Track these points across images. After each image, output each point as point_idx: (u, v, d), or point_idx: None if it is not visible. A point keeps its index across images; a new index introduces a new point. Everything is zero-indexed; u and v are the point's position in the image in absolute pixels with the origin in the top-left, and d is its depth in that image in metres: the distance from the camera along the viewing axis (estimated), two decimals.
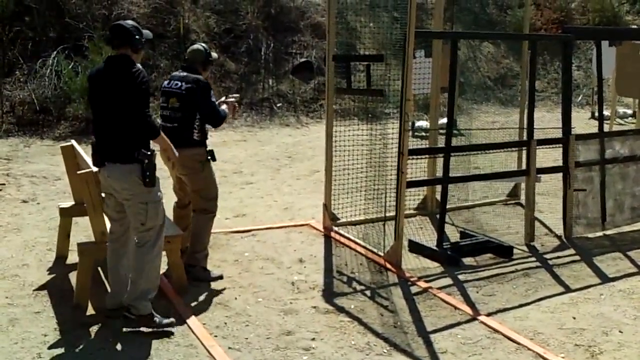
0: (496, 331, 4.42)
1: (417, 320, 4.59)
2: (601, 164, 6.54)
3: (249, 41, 13.22)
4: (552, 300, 4.96)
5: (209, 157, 5.14)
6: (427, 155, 6.78)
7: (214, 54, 5.44)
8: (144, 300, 4.24)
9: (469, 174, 6.93)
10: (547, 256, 5.91)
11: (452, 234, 6.30)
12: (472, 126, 10.81)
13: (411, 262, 5.66)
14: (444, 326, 4.51)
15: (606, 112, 9.90)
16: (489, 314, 4.69)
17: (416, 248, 5.89)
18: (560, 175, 6.51)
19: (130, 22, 4.30)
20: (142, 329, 4.26)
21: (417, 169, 6.58)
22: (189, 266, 5.08)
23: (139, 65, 4.16)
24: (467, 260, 5.71)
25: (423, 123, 11.07)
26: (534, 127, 6.34)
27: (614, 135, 7.19)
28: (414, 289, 5.11)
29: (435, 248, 5.78)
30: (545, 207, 7.19)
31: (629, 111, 13.69)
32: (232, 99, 5.48)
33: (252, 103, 12.32)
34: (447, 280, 5.30)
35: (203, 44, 5.37)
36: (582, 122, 12.51)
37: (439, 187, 6.31)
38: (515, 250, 5.91)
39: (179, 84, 5.05)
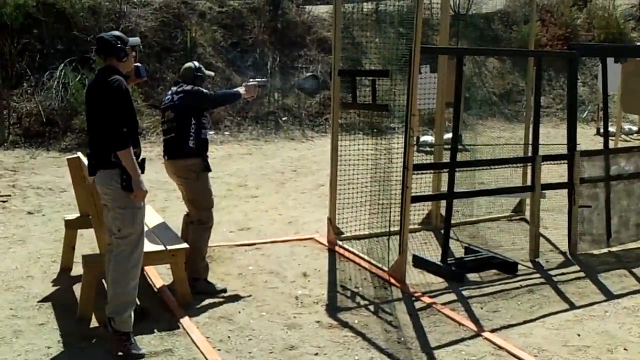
0: (500, 348, 4.39)
1: (421, 336, 4.57)
2: (606, 180, 6.53)
3: (255, 55, 13.30)
4: (556, 317, 4.94)
5: (208, 166, 5.17)
6: (432, 170, 6.80)
7: (209, 72, 5.53)
8: (123, 314, 4.13)
9: (474, 190, 6.91)
10: (552, 272, 5.89)
11: (457, 250, 6.29)
12: (477, 141, 10.82)
13: (415, 277, 5.65)
14: (448, 342, 4.49)
15: (611, 129, 9.93)
16: (493, 331, 4.67)
17: (420, 263, 5.89)
18: (565, 191, 6.50)
19: (114, 32, 4.35)
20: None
21: (422, 183, 6.58)
22: (192, 280, 5.08)
23: (117, 76, 4.15)
24: (472, 276, 5.70)
25: (428, 138, 11.09)
26: (539, 143, 6.34)
27: (619, 151, 7.18)
28: (418, 305, 5.10)
29: (439, 263, 5.77)
30: (550, 223, 7.18)
31: (635, 128, 13.70)
32: (254, 82, 5.52)
33: (257, 117, 12.36)
34: (452, 296, 5.28)
35: (195, 62, 5.46)
36: (588, 138, 12.50)
37: (443, 202, 6.31)
38: (519, 267, 5.89)
39: (170, 97, 5.19)
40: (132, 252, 4.21)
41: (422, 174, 6.22)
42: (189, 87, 5.16)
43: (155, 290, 5.20)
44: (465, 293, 5.34)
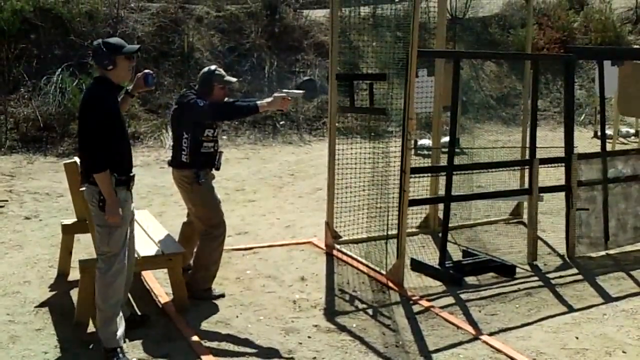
0: (499, 351, 4.38)
1: (419, 340, 4.57)
2: (604, 183, 6.53)
3: (253, 60, 13.30)
4: (554, 320, 4.93)
5: (197, 179, 4.95)
6: (429, 174, 6.80)
7: (230, 78, 5.16)
8: (105, 330, 4.09)
9: (472, 193, 6.92)
10: (550, 275, 5.88)
11: (455, 253, 6.28)
12: (474, 145, 10.82)
13: (413, 281, 5.64)
14: (446, 345, 4.48)
15: (609, 132, 9.93)
16: (491, 334, 4.66)
17: (418, 267, 5.88)
18: (562, 194, 6.50)
19: (109, 39, 4.14)
20: None
21: (420, 187, 6.58)
22: (189, 285, 5.05)
23: (105, 91, 4.02)
24: (470, 279, 5.69)
25: (426, 141, 11.10)
26: (537, 146, 6.35)
27: (616, 154, 7.19)
28: (416, 308, 5.09)
29: (437, 267, 5.76)
30: (548, 226, 7.18)
31: (632, 130, 13.71)
32: (283, 94, 4.84)
33: (255, 121, 12.36)
34: (450, 299, 5.28)
35: (213, 66, 5.14)
36: (585, 141, 12.51)
37: (441, 206, 6.30)
38: (517, 270, 5.89)
39: (175, 105, 5.13)
40: (107, 271, 4.12)
41: (419, 177, 6.23)
42: (187, 99, 4.90)
43: (153, 295, 5.18)
44: (464, 296, 5.34)
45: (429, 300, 5.22)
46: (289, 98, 4.83)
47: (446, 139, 7.15)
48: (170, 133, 5.33)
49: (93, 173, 3.97)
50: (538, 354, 4.38)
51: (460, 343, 4.52)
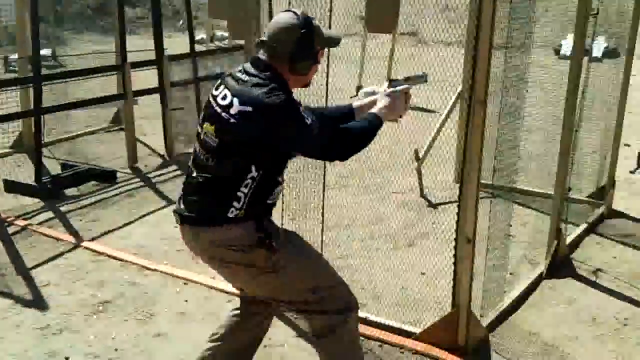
0: (100, 253, 4.40)
1: (17, 259, 4.33)
2: (196, 82, 6.84)
3: None
4: (155, 215, 5.14)
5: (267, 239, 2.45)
6: (15, 87, 6.29)
7: (332, 33, 2.56)
8: None
9: (62, 103, 6.62)
10: (151, 175, 6.07)
11: (54, 168, 6.03)
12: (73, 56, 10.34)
13: (8, 203, 5.28)
14: (46, 259, 4.33)
15: (202, 35, 10.37)
16: (92, 239, 4.65)
17: (13, 187, 5.50)
18: (158, 96, 6.63)
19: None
20: None
21: (13, 105, 6.10)
22: None
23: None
24: (70, 191, 5.55)
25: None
26: (128, 51, 6.29)
27: (205, 54, 7.56)
28: (11, 229, 4.79)
29: (32, 184, 5.46)
30: (149, 130, 7.29)
31: (226, 34, 14.62)
32: (403, 85, 2.67)
33: None
34: (49, 214, 5.10)
35: (293, 11, 2.44)
36: (185, 46, 12.85)
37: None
38: (119, 174, 5.93)
39: (228, 99, 2.39)
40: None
41: (5, 91, 5.75)
42: (271, 99, 2.32)
43: None
44: (64, 209, 5.21)
45: (25, 219, 4.96)
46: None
47: (45, 51, 6.66)
48: (198, 150, 2.60)
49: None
50: (139, 247, 4.51)
51: (61, 254, 4.43)
